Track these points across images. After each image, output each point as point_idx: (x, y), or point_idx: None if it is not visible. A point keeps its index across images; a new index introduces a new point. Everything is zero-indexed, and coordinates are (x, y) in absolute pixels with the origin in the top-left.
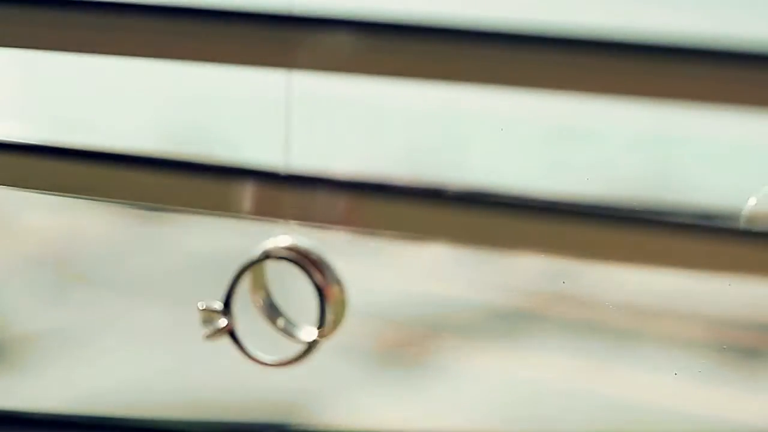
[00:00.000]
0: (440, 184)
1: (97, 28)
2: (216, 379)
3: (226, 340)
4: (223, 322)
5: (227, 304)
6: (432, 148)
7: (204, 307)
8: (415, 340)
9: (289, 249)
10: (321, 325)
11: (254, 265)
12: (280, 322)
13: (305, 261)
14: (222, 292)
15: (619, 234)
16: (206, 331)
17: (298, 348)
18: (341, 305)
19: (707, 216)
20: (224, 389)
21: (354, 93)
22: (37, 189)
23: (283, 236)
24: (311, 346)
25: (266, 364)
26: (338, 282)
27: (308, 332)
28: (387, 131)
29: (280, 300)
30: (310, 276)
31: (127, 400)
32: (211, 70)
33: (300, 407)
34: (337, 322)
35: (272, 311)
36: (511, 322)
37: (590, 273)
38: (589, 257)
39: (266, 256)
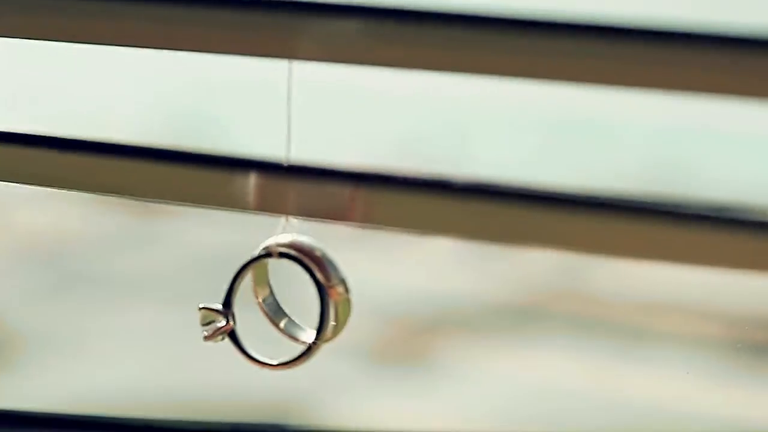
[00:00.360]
0: (446, 176)
1: (92, 16)
2: (215, 379)
3: (225, 341)
4: (222, 322)
5: (227, 303)
6: (438, 140)
7: (203, 307)
8: (418, 338)
9: (291, 246)
10: (321, 326)
11: (254, 263)
12: (283, 322)
13: (307, 259)
14: (222, 291)
15: (631, 228)
16: (205, 331)
17: (298, 349)
18: (345, 306)
19: (722, 209)
20: (223, 389)
21: (357, 82)
22: (30, 181)
23: (285, 232)
24: (311, 348)
25: (266, 365)
26: (343, 282)
27: (311, 334)
28: (391, 121)
29: (285, 299)
30: (312, 275)
31: (124, 400)
32: (210, 60)
33: (300, 407)
34: (340, 324)
35: (275, 311)
36: (517, 319)
37: (600, 268)
38: (598, 252)
39: (267, 253)
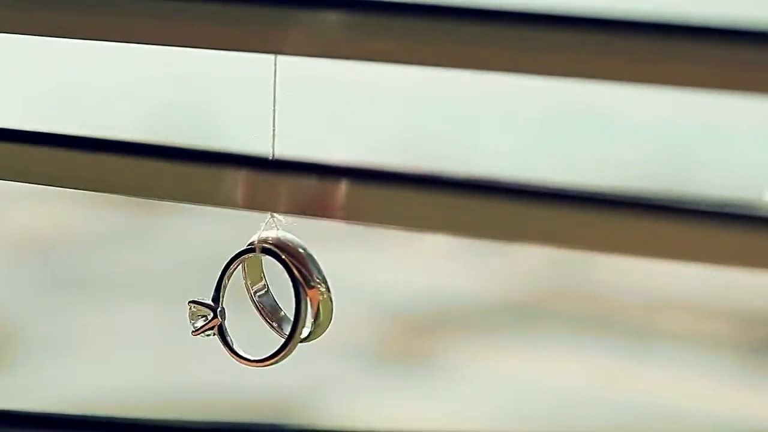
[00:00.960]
0: (438, 171)
1: (78, 10)
2: (215, 379)
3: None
4: (210, 316)
5: (215, 298)
6: (434, 133)
7: (192, 301)
8: (418, 337)
9: (273, 242)
10: (296, 324)
11: (238, 258)
12: (276, 318)
13: (287, 255)
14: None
15: (636, 223)
16: (193, 326)
17: (276, 346)
18: (326, 306)
19: (729, 204)
20: (223, 389)
21: (348, 76)
22: (22, 179)
23: (271, 229)
24: (286, 346)
25: (247, 362)
26: (324, 281)
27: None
28: (386, 115)
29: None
30: (290, 272)
31: (123, 399)
32: (196, 54)
33: (300, 406)
34: (321, 324)
35: (268, 307)
36: (518, 318)
37: (602, 265)
38: (602, 249)
39: (250, 249)
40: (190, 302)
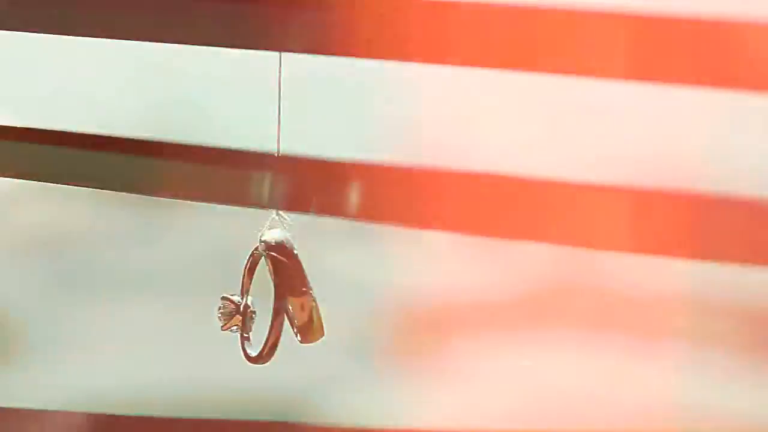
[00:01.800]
0: (442, 168)
1: (77, 6)
2: (216, 376)
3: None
4: (235, 311)
5: (240, 295)
6: (436, 131)
7: (223, 297)
8: (419, 336)
9: (272, 245)
10: (272, 327)
11: (251, 258)
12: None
13: (283, 260)
14: (223, 287)
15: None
16: (221, 320)
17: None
18: (315, 312)
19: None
20: (224, 386)
21: (352, 73)
22: (23, 176)
23: (274, 227)
24: (265, 348)
25: (249, 358)
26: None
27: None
28: (382, 113)
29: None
30: (277, 274)
31: (130, 398)
32: (201, 52)
33: (303, 404)
34: (314, 329)
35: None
36: (521, 316)
37: (608, 261)
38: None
39: (257, 249)
40: (222, 297)
